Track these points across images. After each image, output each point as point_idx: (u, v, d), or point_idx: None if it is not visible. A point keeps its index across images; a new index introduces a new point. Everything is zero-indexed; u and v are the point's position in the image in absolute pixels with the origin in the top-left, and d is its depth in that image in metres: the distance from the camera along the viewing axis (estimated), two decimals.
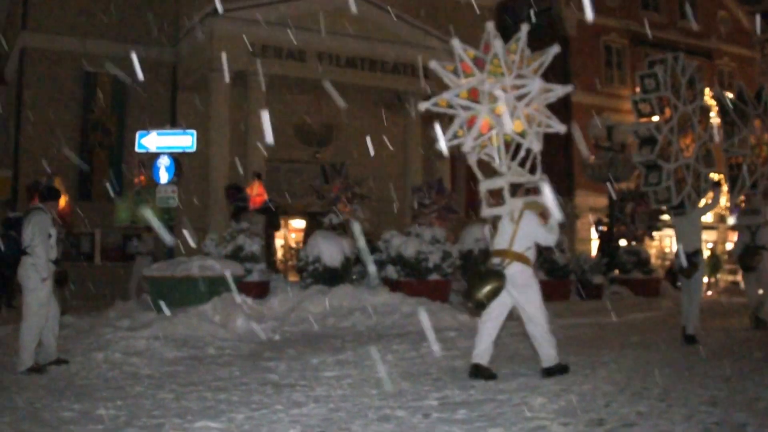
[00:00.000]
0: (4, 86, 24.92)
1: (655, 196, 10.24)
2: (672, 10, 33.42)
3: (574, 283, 17.80)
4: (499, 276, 6.94)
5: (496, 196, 7.28)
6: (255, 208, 15.86)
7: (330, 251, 13.97)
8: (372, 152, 23.69)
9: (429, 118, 23.29)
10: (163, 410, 6.02)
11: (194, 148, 14.24)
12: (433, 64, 7.71)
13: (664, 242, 32.03)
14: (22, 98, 21.25)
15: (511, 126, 7.20)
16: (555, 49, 7.55)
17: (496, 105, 7.23)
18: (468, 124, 7.38)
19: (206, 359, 8.84)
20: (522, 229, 7.09)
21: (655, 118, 10.32)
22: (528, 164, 7.48)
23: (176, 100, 22.12)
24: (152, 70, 21.94)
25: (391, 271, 14.73)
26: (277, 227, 15.99)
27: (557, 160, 24.77)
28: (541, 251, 13.14)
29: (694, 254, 9.88)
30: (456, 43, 7.52)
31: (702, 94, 10.88)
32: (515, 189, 7.27)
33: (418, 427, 5.32)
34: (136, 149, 14.56)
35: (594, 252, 23.90)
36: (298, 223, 23.60)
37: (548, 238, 7.24)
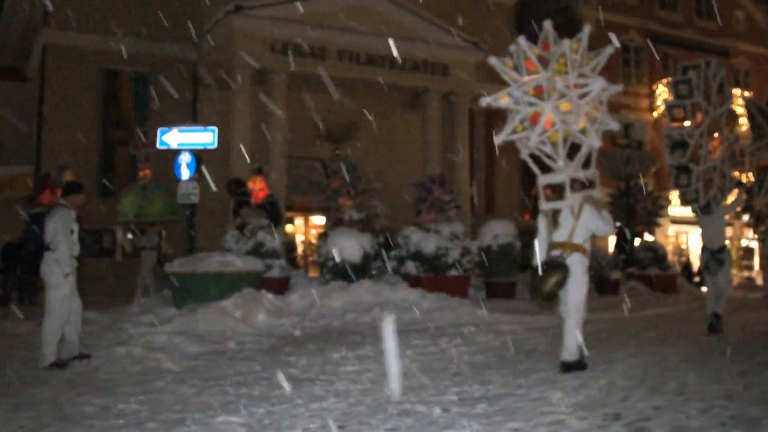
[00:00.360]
0: (26, 83, 25.13)
1: (684, 197, 10.52)
2: (689, 9, 33.38)
3: (591, 279, 17.73)
4: (562, 267, 7.23)
5: (555, 191, 7.53)
6: (257, 203, 15.92)
7: (350, 247, 14.05)
8: (391, 149, 23.79)
9: (449, 115, 23.41)
10: (185, 405, 6.07)
11: (215, 145, 14.31)
12: (493, 61, 7.91)
13: (681, 238, 31.96)
14: (43, 95, 21.39)
15: (578, 124, 7.54)
16: (610, 50, 7.81)
17: (561, 102, 7.52)
18: (531, 120, 7.60)
19: (227, 354, 8.90)
20: (582, 222, 7.39)
21: (687, 123, 10.59)
22: (580, 160, 7.77)
23: (197, 97, 22.24)
24: (173, 67, 22.10)
25: (411, 267, 14.78)
26: (278, 222, 16.10)
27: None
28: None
29: (719, 251, 10.10)
30: (522, 41, 7.72)
31: (730, 98, 11.10)
32: (573, 184, 7.54)
33: (438, 421, 5.35)
34: (158, 146, 14.64)
35: (611, 248, 23.84)
36: (319, 219, 23.68)
37: (605, 229, 7.62)
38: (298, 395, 6.33)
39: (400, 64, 21.71)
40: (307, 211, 23.00)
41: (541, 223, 7.68)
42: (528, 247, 9.42)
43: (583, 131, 7.63)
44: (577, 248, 7.37)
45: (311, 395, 6.33)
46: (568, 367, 7.21)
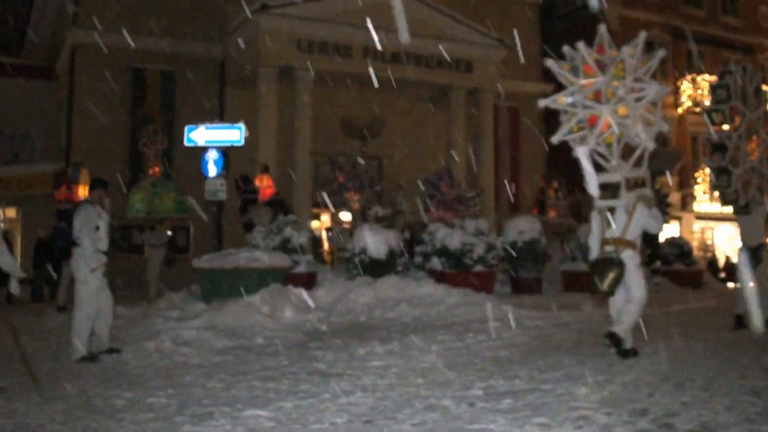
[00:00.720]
0: (56, 82, 25.42)
1: (724, 197, 10.73)
2: (713, 5, 33.12)
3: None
4: (619, 264, 7.60)
5: (609, 190, 7.98)
6: (264, 200, 15.99)
7: (376, 243, 14.11)
8: (417, 145, 23.82)
9: (474, 111, 23.40)
10: (213, 399, 6.14)
11: (242, 142, 14.40)
12: (550, 63, 8.31)
13: (706, 234, 31.78)
14: (72, 94, 21.64)
15: (638, 126, 7.99)
16: (662, 53, 8.30)
17: (618, 106, 7.96)
18: (589, 122, 8.05)
19: (255, 349, 8.96)
20: (635, 220, 7.80)
21: (725, 127, 10.78)
22: (633, 160, 8.22)
23: (224, 95, 22.39)
24: (200, 66, 22.28)
25: (436, 263, 14.81)
26: None
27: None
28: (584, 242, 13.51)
29: (757, 248, 10.24)
30: (582, 46, 8.12)
31: (766, 101, 11.29)
32: (627, 183, 7.97)
33: (464, 416, 5.38)
34: (185, 143, 14.76)
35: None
36: (344, 216, 23.75)
37: (657, 226, 8.12)
38: (325, 390, 6.37)
39: (424, 61, 21.74)
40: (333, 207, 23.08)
41: (595, 221, 8.08)
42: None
43: (637, 134, 8.04)
44: (630, 245, 7.75)
45: (338, 390, 6.37)
46: (625, 354, 7.63)
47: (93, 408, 5.92)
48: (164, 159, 18.48)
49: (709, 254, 30.57)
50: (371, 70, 20.80)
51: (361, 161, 18.34)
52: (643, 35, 8.11)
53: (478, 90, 23.20)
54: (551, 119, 26.57)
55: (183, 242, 21.59)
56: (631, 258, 7.71)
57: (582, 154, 7.99)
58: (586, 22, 27.48)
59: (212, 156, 14.12)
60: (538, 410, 5.46)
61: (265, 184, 16.65)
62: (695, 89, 31.24)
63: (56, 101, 24.54)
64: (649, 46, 9.04)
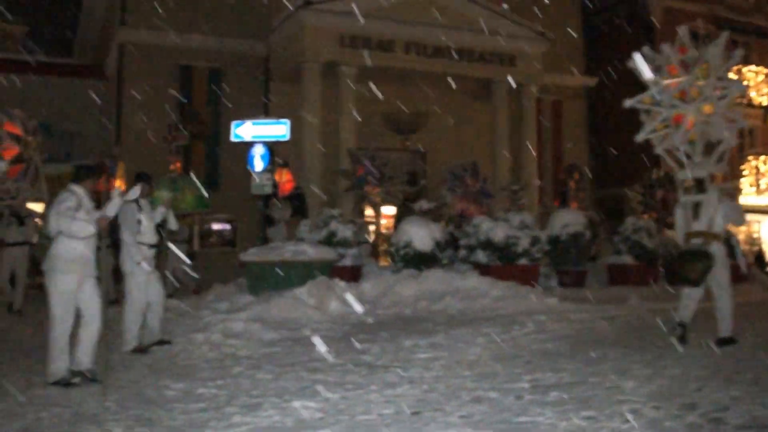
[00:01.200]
0: (105, 81, 25.85)
1: None
2: None
3: (662, 268, 17.49)
4: (708, 256, 7.93)
5: (696, 185, 8.30)
6: (283, 195, 16.06)
7: (420, 236, 14.14)
8: (459, 140, 23.77)
9: (517, 105, 23.28)
10: (262, 390, 6.24)
11: (288, 137, 14.51)
12: (634, 64, 8.73)
13: (753, 227, 31.27)
14: (121, 92, 21.98)
15: (722, 124, 8.41)
16: (740, 52, 8.81)
17: (703, 105, 8.36)
18: (674, 120, 8.50)
19: (302, 341, 9.03)
20: (720, 213, 8.12)
21: None
22: (716, 156, 8.66)
23: (269, 90, 22.57)
24: (245, 62, 22.48)
25: (481, 256, 14.80)
26: (304, 214, 16.25)
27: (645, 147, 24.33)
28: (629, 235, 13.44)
29: None
30: (666, 48, 8.59)
31: None
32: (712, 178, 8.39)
33: (511, 408, 5.40)
34: (232, 139, 14.91)
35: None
36: (388, 210, 23.79)
37: (740, 220, 8.58)
38: (372, 382, 6.43)
39: (467, 55, 21.66)
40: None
41: (680, 214, 8.42)
42: None
43: (719, 130, 8.45)
44: (715, 237, 8.11)
45: (385, 382, 6.43)
46: (724, 342, 7.92)
47: (145, 398, 6.06)
48: (173, 155, 18.50)
49: (756, 248, 30.03)
50: (414, 65, 20.84)
51: (404, 154, 18.28)
52: (725, 35, 8.55)
53: (520, 83, 23.07)
54: (595, 113, 26.45)
55: (230, 236, 21.86)
56: (718, 250, 8.06)
57: (663, 152, 8.43)
58: (628, 13, 27.27)
59: (258, 151, 14.23)
60: (585, 403, 5.46)
61: (284, 179, 16.72)
62: (741, 81, 30.65)
63: (106, 99, 24.94)
64: (693, 37, 9.14)
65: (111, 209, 7.05)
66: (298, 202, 16.11)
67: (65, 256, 6.72)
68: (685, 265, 7.99)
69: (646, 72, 8.51)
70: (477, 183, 17.34)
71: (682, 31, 8.63)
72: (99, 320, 6.92)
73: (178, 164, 17.94)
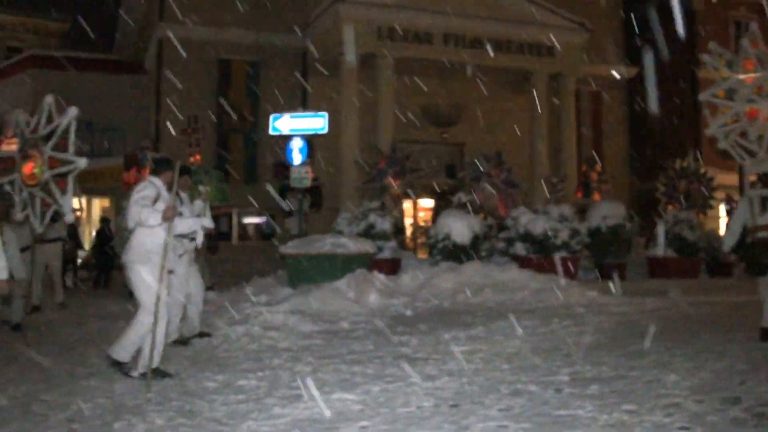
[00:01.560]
0: (145, 76, 26.15)
1: None
2: None
3: (703, 261, 17.28)
4: None
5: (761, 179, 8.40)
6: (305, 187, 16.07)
7: (459, 228, 14.12)
8: (498, 131, 23.67)
9: (556, 96, 23.09)
10: (302, 381, 6.29)
11: (326, 130, 14.57)
12: (706, 58, 8.90)
13: None
14: (160, 86, 22.25)
15: None
16: None
17: None
18: (748, 115, 8.44)
19: (341, 333, 9.08)
20: None
21: None
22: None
23: (307, 83, 22.67)
24: (283, 56, 22.61)
25: (520, 248, 14.74)
26: (320, 206, 16.29)
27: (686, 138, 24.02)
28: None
29: None
30: (745, 42, 8.83)
31: None
32: None
33: (551, 401, 5.37)
34: (270, 132, 15.01)
35: (723, 229, 22.99)
36: (426, 202, 23.80)
37: None
38: (411, 374, 6.40)
39: (505, 46, 21.56)
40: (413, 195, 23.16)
41: (743, 206, 8.48)
42: None
43: None
44: None
45: (424, 374, 6.41)
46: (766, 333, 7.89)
47: (186, 390, 6.11)
48: (194, 148, 18.58)
49: None
50: (452, 57, 20.77)
51: (442, 145, 18.29)
52: None
53: (559, 74, 22.89)
54: (635, 103, 26.11)
55: (270, 229, 22.02)
56: None
57: (727, 145, 8.47)
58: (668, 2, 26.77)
59: (297, 144, 14.31)
60: (626, 397, 5.41)
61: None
62: None
63: (145, 94, 25.24)
64: (736, 26, 9.21)
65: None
66: (316, 195, 16.15)
67: (145, 246, 6.73)
68: (762, 253, 8.14)
69: (718, 67, 8.54)
70: (501, 173, 17.24)
71: (753, 27, 8.63)
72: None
73: (198, 156, 18.03)
